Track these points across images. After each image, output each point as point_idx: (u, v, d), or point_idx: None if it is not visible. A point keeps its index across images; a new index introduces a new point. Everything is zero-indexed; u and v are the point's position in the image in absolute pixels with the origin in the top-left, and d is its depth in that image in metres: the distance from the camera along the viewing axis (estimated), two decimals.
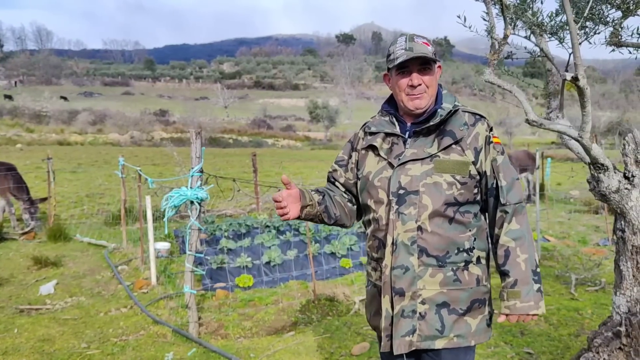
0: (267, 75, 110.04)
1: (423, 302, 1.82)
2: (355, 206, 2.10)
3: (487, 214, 1.97)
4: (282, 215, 1.85)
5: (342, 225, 2.08)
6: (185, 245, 5.79)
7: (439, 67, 1.94)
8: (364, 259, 6.29)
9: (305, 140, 42.16)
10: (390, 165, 1.87)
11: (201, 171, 4.31)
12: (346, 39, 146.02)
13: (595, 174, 2.60)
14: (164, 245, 6.75)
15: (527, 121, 2.49)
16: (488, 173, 1.89)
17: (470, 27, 2.45)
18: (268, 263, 5.99)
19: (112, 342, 4.13)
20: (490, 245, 1.98)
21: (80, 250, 7.17)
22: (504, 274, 1.88)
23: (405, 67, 1.86)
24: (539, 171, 7.22)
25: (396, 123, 1.96)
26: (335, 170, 2.12)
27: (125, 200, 7.28)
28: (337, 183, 2.11)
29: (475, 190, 1.89)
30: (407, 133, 1.93)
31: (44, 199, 8.50)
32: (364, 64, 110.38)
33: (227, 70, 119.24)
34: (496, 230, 1.90)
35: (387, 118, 1.99)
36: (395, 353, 1.83)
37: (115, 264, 6.30)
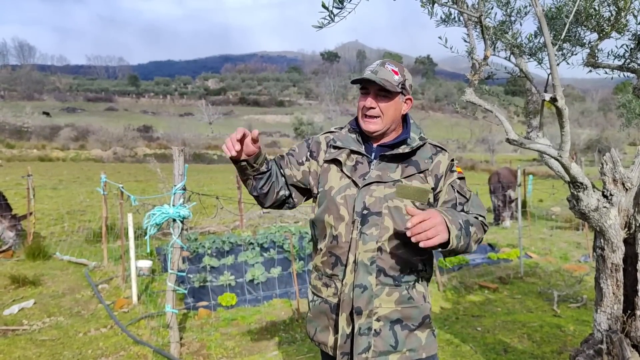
0: (252, 92, 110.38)
1: (378, 320, 1.84)
2: (281, 196, 1.99)
3: None
4: (229, 148, 1.75)
5: (257, 199, 1.98)
6: (167, 263, 5.71)
7: (410, 99, 1.93)
8: None
9: None
10: (355, 184, 1.87)
11: (184, 189, 4.29)
12: (331, 56, 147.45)
13: (575, 193, 2.63)
14: (146, 264, 6.65)
15: (508, 140, 2.53)
16: (446, 191, 1.89)
17: (451, 48, 2.49)
18: (252, 281, 5.93)
19: None
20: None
21: (59, 269, 7.03)
22: None
23: (366, 89, 1.89)
24: (521, 188, 7.31)
25: (362, 142, 1.96)
26: (282, 158, 2.04)
27: (107, 217, 7.18)
28: (282, 170, 2.01)
29: None
30: (373, 154, 1.93)
31: (24, 216, 8.35)
32: (349, 81, 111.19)
33: (212, 87, 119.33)
34: None
35: (354, 135, 1.97)
36: None
37: (95, 283, 6.19)
